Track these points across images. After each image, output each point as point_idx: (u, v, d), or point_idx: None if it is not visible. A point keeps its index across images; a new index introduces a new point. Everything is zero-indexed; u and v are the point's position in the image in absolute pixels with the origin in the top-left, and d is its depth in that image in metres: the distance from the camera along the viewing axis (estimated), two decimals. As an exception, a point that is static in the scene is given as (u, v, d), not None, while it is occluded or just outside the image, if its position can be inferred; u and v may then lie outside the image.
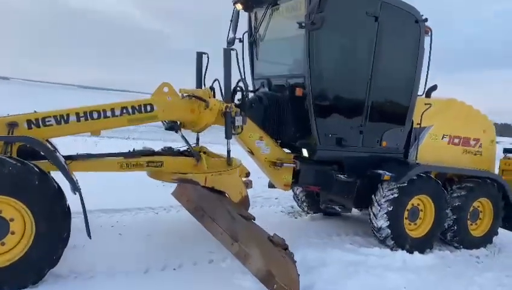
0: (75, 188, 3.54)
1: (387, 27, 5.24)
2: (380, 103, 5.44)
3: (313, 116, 5.00)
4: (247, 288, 3.86)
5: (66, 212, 3.48)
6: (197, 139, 5.37)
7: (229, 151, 4.79)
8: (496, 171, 6.68)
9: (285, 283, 3.55)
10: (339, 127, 5.24)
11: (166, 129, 5.08)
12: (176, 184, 4.32)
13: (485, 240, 6.09)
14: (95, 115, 4.32)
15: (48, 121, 4.10)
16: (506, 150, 6.79)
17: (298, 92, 4.93)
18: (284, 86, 5.36)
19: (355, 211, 6.83)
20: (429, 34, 5.63)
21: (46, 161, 3.71)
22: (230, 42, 6.03)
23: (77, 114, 4.25)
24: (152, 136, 14.50)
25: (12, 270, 3.32)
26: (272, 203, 7.53)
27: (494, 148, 6.61)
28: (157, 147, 5.01)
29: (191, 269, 4.23)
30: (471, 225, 5.98)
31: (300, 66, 5.03)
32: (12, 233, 3.36)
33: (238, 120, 4.74)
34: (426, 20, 5.50)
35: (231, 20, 6.05)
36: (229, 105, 4.63)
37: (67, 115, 4.20)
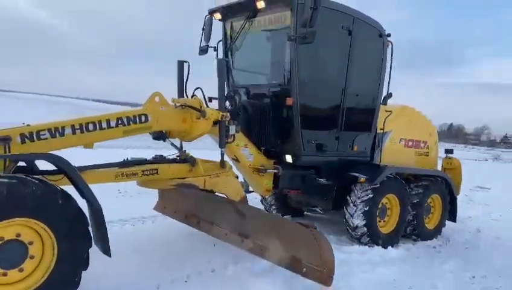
0: (98, 206, 3.39)
1: (358, 40, 5.68)
2: (352, 110, 5.87)
3: (299, 124, 5.26)
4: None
5: (87, 232, 3.32)
6: (181, 146, 5.35)
7: (222, 155, 4.86)
8: (438, 168, 7.52)
9: (317, 265, 3.64)
10: (319, 134, 5.57)
11: (154, 139, 5.00)
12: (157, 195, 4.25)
13: (437, 232, 6.84)
14: (91, 127, 4.15)
15: (43, 135, 3.85)
16: (447, 151, 7.66)
17: (289, 101, 5.15)
18: (265, 94, 5.55)
19: (319, 213, 7.24)
20: (390, 47, 6.19)
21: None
22: (204, 50, 6.07)
23: (73, 126, 4.03)
24: (134, 144, 13.74)
25: (34, 298, 3.10)
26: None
27: (437, 149, 7.45)
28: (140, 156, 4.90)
29: (199, 280, 4.21)
30: (425, 219, 6.68)
31: (286, 77, 5.26)
32: (31, 257, 3.13)
33: (232, 129, 4.84)
34: (389, 35, 6.05)
35: (203, 29, 6.09)
36: (225, 114, 4.71)
37: (63, 127, 3.97)
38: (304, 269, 3.67)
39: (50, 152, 3.47)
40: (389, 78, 6.18)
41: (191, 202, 5.19)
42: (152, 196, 5.96)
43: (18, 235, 3.04)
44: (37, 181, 3.07)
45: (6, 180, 2.93)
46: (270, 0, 5.09)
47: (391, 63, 6.15)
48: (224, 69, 4.75)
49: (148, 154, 4.89)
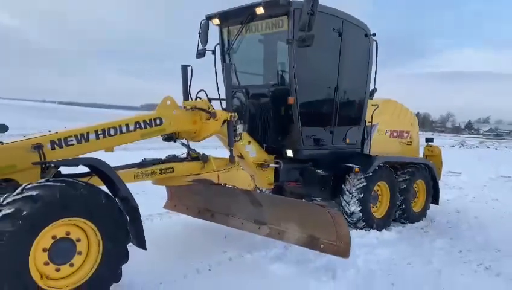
0: (135, 204, 3.70)
1: (347, 41, 6.13)
2: (344, 106, 6.35)
3: (298, 121, 5.67)
4: (280, 276, 4.34)
5: (127, 228, 3.61)
6: (188, 144, 5.67)
7: (231, 151, 5.21)
8: (420, 156, 8.12)
9: (333, 240, 4.04)
10: (316, 130, 6.01)
11: (164, 140, 5.30)
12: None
13: (422, 214, 7.42)
14: (112, 132, 4.44)
15: (70, 141, 4.13)
16: (428, 139, 8.27)
17: (290, 100, 5.55)
18: (265, 94, 5.94)
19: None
20: (375, 45, 6.68)
21: None
22: (201, 54, 6.39)
23: (96, 132, 4.32)
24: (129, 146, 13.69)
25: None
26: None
27: (418, 138, 8.05)
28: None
29: (221, 268, 4.55)
30: (412, 203, 7.24)
31: (286, 78, 5.66)
32: (79, 253, 3.41)
33: (239, 128, 5.21)
34: (374, 34, 6.54)
35: (200, 33, 6.40)
36: (233, 114, 5.06)
37: (87, 133, 4.26)
38: (322, 245, 4.07)
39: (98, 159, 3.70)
40: (375, 74, 6.68)
41: (202, 197, 5.51)
42: (156, 195, 6.26)
43: (68, 233, 3.32)
44: (83, 183, 3.36)
45: (58, 184, 3.21)
46: (269, 6, 5.45)
47: (376, 60, 6.66)
48: (231, 73, 5.10)
49: (141, 156, 5.18)
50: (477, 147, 39.13)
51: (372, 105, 6.84)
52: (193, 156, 5.22)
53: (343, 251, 4.03)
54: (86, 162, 3.62)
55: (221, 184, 5.00)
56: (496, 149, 37.15)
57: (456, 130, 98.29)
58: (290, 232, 4.25)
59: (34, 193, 3.07)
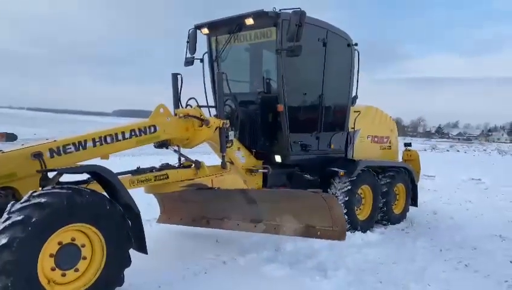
0: (137, 210, 3.81)
1: (331, 51, 6.39)
2: (329, 113, 6.60)
3: (287, 128, 5.88)
4: (276, 277, 4.51)
5: (129, 234, 3.71)
6: (179, 150, 5.78)
7: (223, 157, 5.36)
8: (399, 160, 8.45)
9: (329, 225, 4.22)
10: (303, 136, 6.23)
11: (156, 147, 5.41)
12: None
13: (403, 216, 7.74)
14: (109, 140, 4.54)
15: (69, 149, 4.21)
16: (406, 144, 8.62)
17: (279, 108, 5.75)
18: (254, 102, 6.12)
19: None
20: (357, 54, 6.97)
21: None
22: (190, 62, 6.53)
23: (93, 139, 4.42)
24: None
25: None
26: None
27: (397, 143, 8.38)
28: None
29: (217, 271, 4.67)
30: (393, 205, 7.54)
31: (274, 86, 5.86)
32: (84, 258, 3.49)
33: (231, 134, 5.38)
34: (356, 44, 6.83)
35: (188, 41, 6.54)
36: (225, 121, 5.22)
37: (85, 141, 4.35)
38: (318, 233, 4.25)
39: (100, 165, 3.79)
40: (357, 82, 6.97)
41: (195, 205, 5.59)
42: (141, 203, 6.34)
43: (73, 239, 3.41)
44: (88, 190, 3.45)
45: (64, 191, 3.30)
46: (258, 17, 5.64)
47: (358, 69, 6.95)
48: (222, 81, 5.26)
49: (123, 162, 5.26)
50: (447, 150, 40.38)
51: (355, 112, 7.12)
52: (186, 165, 5.34)
53: (339, 234, 4.22)
54: (90, 169, 3.71)
55: (215, 188, 5.14)
56: (465, 153, 38.43)
57: (427, 135, 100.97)
58: (286, 225, 4.42)
59: (42, 200, 3.16)
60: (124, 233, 3.67)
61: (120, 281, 3.69)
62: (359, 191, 6.73)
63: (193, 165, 5.27)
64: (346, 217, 6.27)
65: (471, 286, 4.67)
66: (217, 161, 5.80)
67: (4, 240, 2.95)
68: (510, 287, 4.70)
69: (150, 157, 13.40)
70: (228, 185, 5.24)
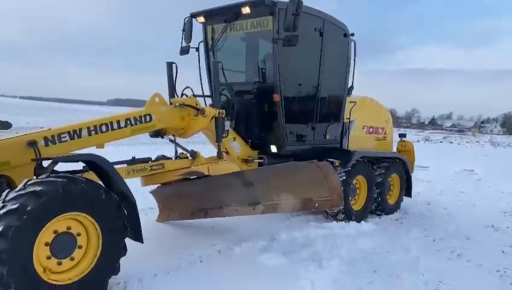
0: (133, 199, 3.80)
1: (327, 40, 6.36)
2: (325, 103, 6.58)
3: (282, 118, 5.86)
4: (271, 266, 4.53)
5: (125, 223, 3.70)
6: (175, 140, 5.76)
7: (219, 147, 5.35)
8: (394, 150, 8.49)
9: (325, 195, 4.31)
10: (298, 126, 6.22)
11: (152, 136, 5.39)
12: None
13: (397, 206, 7.79)
14: (104, 128, 4.51)
15: (63, 137, 4.19)
16: (400, 135, 8.65)
17: (276, 98, 5.72)
18: (249, 92, 6.09)
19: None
20: (353, 45, 6.95)
21: None
22: (185, 51, 6.48)
23: (88, 128, 4.39)
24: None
25: (85, 283, 3.46)
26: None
27: (392, 134, 8.41)
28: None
29: (212, 260, 4.69)
30: (387, 196, 7.59)
31: (271, 76, 5.83)
32: (80, 247, 3.49)
33: (227, 124, 5.36)
34: (353, 34, 6.80)
35: (183, 30, 6.48)
36: (221, 111, 5.21)
37: (80, 129, 4.32)
38: (316, 204, 4.32)
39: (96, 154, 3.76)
40: (353, 73, 6.96)
41: (192, 200, 5.50)
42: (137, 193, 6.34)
43: (69, 228, 3.40)
44: (84, 179, 3.43)
45: (60, 179, 3.28)
46: (254, 6, 5.59)
47: (354, 59, 6.93)
48: (218, 71, 5.23)
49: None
50: (441, 142, 40.57)
51: (350, 102, 7.11)
52: (182, 157, 5.33)
53: (336, 202, 4.32)
54: (86, 158, 3.69)
55: (211, 176, 5.14)
56: (459, 144, 38.64)
57: (421, 126, 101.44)
58: (284, 202, 4.44)
59: (38, 188, 3.14)
60: (120, 222, 3.66)
61: (116, 270, 3.68)
62: (354, 181, 6.76)
63: (189, 155, 5.26)
64: (341, 207, 6.35)
65: (464, 275, 4.73)
66: (212, 151, 5.79)
67: None
68: (502, 276, 4.77)
69: (145, 147, 13.35)
70: (224, 172, 5.23)
